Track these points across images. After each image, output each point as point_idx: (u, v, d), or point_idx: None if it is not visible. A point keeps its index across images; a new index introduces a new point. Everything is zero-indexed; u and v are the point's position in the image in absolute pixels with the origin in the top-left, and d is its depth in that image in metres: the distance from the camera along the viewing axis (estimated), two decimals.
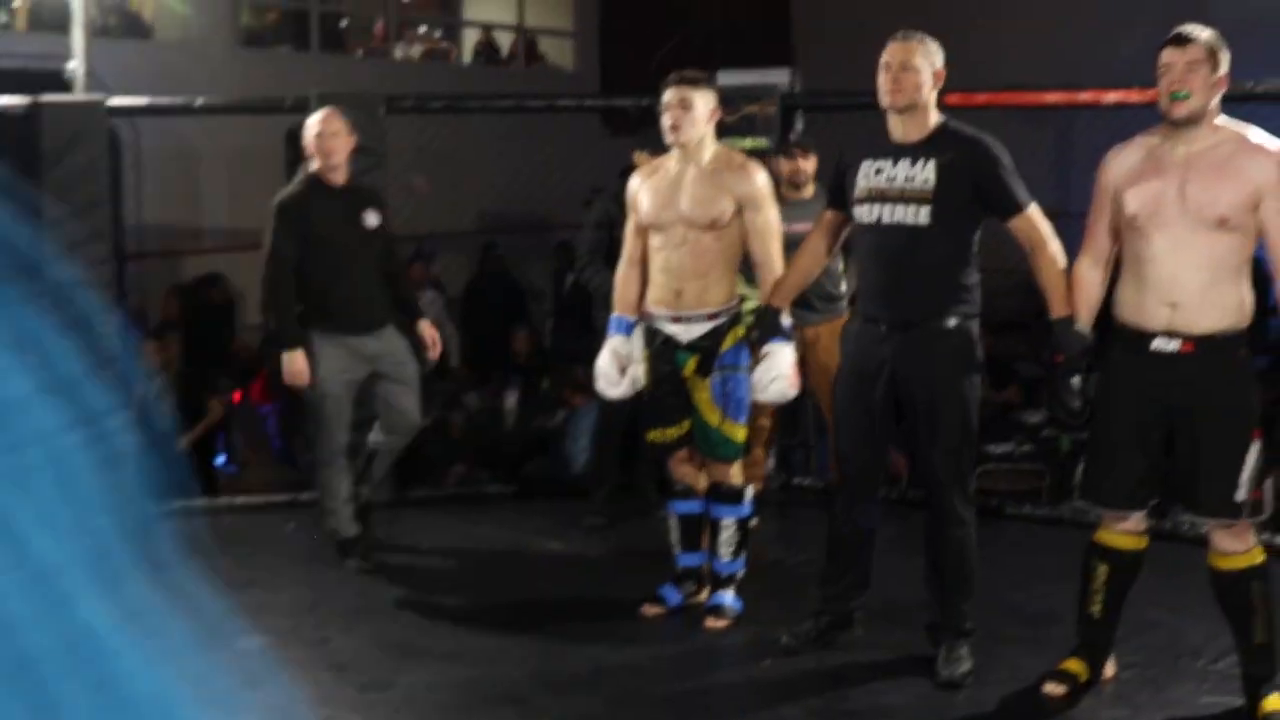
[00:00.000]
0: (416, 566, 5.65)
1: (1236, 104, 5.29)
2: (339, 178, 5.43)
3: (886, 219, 4.16)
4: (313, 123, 5.41)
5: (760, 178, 4.65)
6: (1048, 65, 11.67)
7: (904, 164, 4.15)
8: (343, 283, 5.36)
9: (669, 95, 4.63)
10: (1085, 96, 5.97)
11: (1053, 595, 4.79)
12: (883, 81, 4.15)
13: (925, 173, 4.11)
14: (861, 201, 4.23)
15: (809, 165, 5.87)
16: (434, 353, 5.66)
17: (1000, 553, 5.57)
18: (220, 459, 8.42)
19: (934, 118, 4.20)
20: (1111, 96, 5.71)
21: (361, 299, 5.39)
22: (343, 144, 5.40)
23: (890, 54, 4.15)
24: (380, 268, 5.51)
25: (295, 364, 5.32)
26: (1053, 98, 6.12)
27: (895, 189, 4.15)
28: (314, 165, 5.43)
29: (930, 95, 4.16)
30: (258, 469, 8.27)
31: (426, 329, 5.62)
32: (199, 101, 6.86)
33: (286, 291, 5.37)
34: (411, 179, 8.84)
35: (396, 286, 5.64)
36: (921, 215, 4.10)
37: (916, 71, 4.11)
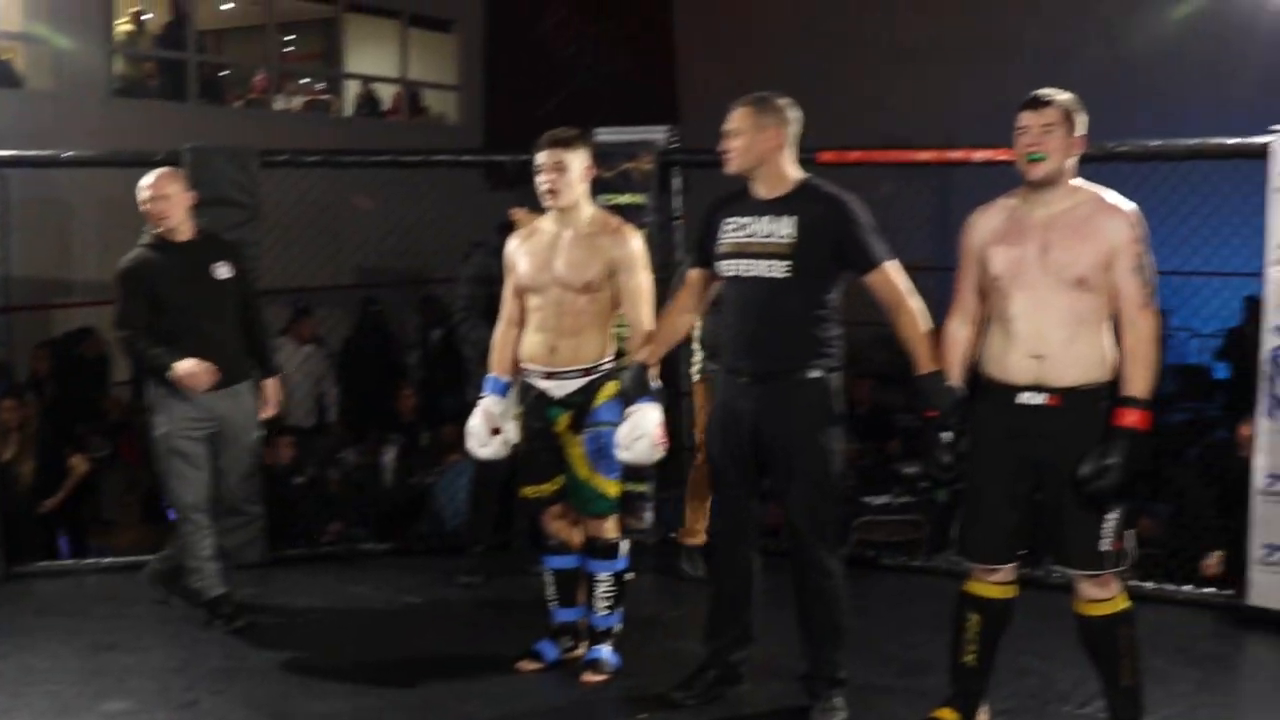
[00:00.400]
0: (289, 626, 5.55)
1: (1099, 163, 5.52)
2: (181, 235, 5.39)
3: (747, 273, 4.24)
4: (143, 186, 5.36)
5: (635, 242, 4.69)
6: (928, 121, 11.97)
7: (765, 220, 4.23)
8: (190, 340, 5.29)
9: (542, 157, 4.64)
10: (955, 155, 6.09)
11: (927, 645, 4.85)
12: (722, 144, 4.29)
13: (784, 229, 4.20)
14: (725, 256, 4.31)
15: None
16: (267, 411, 5.63)
17: (876, 603, 5.66)
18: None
19: (794, 174, 4.29)
20: (980, 155, 5.84)
21: (210, 356, 5.31)
22: (175, 204, 5.35)
23: (726, 120, 4.27)
24: (236, 319, 5.47)
25: (187, 366, 5.22)
26: (924, 156, 6.24)
27: (756, 244, 4.23)
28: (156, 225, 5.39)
29: (772, 155, 4.24)
30: (127, 526, 8.10)
31: (270, 387, 5.60)
32: (66, 154, 6.74)
33: (146, 343, 5.29)
34: (359, 203, 8.78)
35: (254, 339, 5.60)
36: (780, 270, 4.19)
37: (741, 136, 4.23)
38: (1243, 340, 8.48)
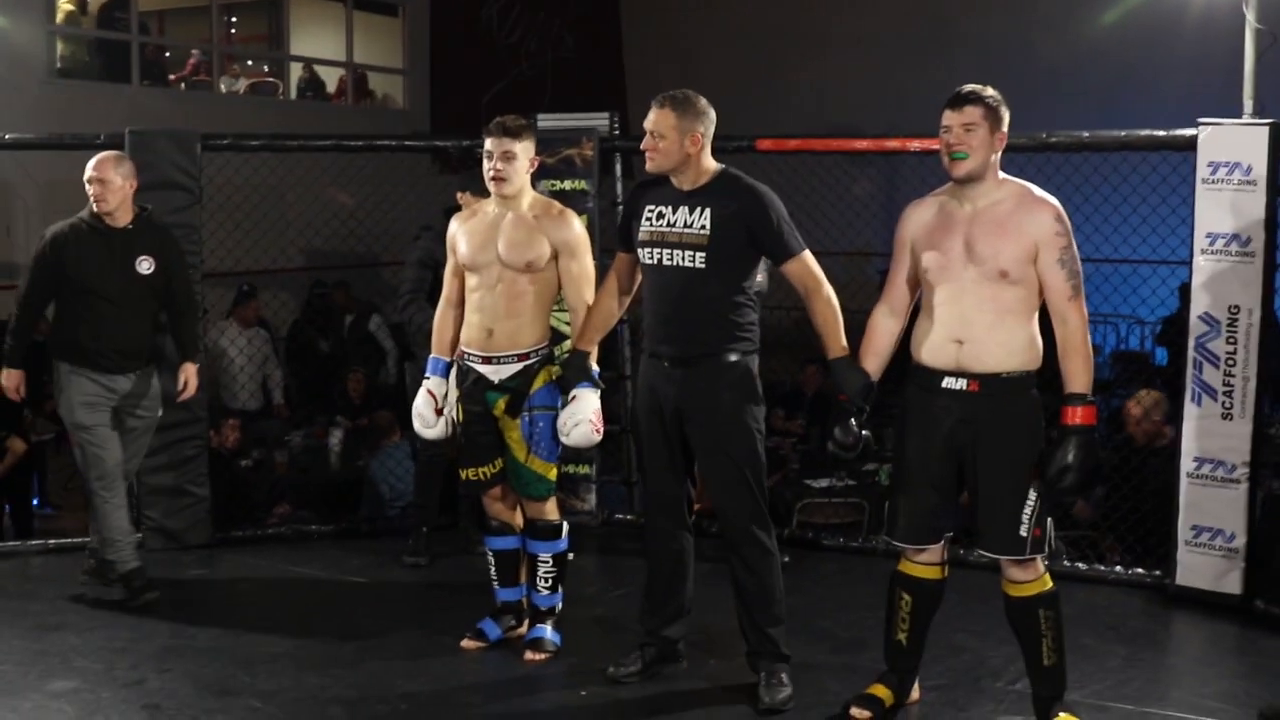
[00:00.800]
0: (235, 606, 5.60)
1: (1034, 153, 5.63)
2: (116, 221, 5.44)
3: (666, 261, 4.35)
4: (88, 167, 5.41)
5: (577, 225, 4.76)
6: (874, 110, 12.06)
7: (683, 210, 4.33)
8: (93, 325, 5.40)
9: (491, 145, 4.69)
10: (892, 144, 6.18)
11: (863, 623, 4.97)
12: (644, 144, 4.36)
13: (701, 220, 4.29)
14: (644, 245, 4.40)
15: None
16: (184, 395, 5.69)
17: (815, 583, 5.76)
18: (35, 501, 8.23)
19: (711, 166, 4.37)
20: (916, 144, 5.92)
21: (109, 345, 5.42)
22: (114, 191, 5.40)
23: (648, 120, 4.35)
24: (151, 312, 5.53)
25: (11, 380, 5.50)
26: (861, 144, 6.32)
27: (674, 234, 4.33)
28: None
29: (693, 153, 4.32)
30: (72, 510, 8.09)
31: (187, 371, 5.65)
32: (7, 136, 6.70)
33: (25, 331, 5.54)
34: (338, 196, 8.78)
35: (180, 329, 5.67)
36: (698, 259, 4.29)
37: (665, 138, 4.30)
38: (1176, 327, 8.63)
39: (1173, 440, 6.16)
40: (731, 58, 14.11)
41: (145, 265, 5.46)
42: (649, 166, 4.37)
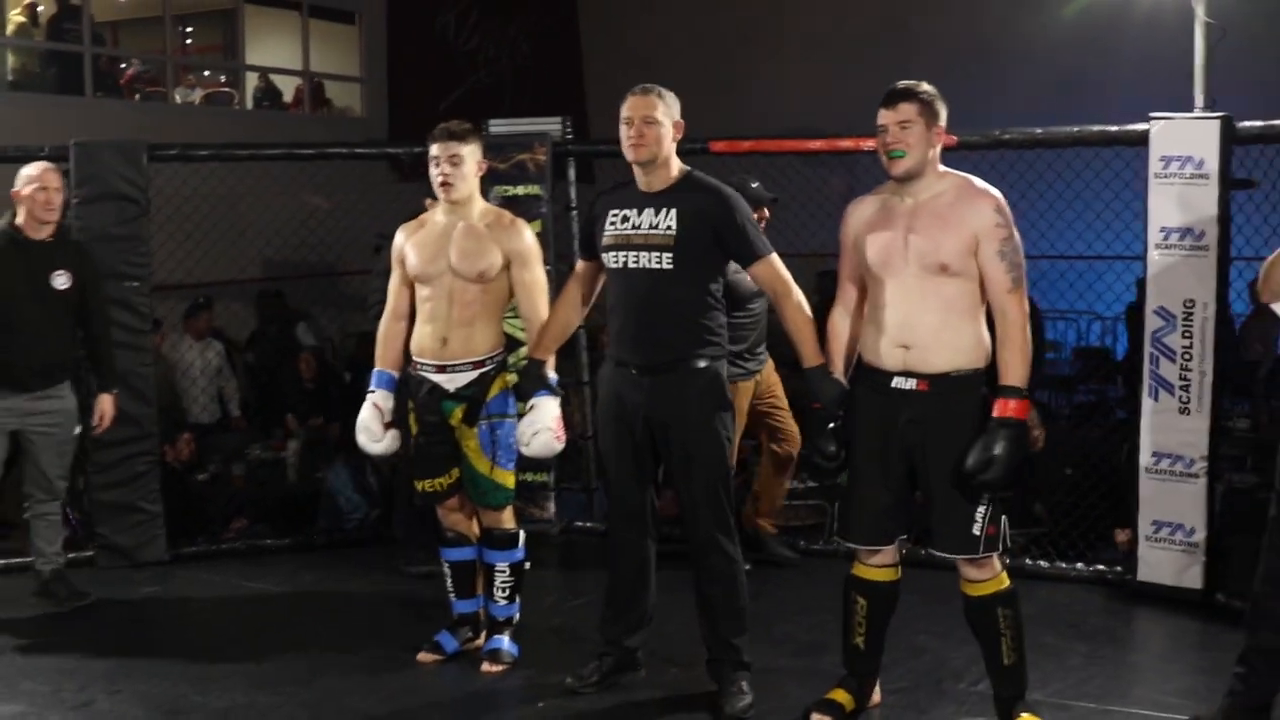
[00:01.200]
0: (187, 624, 5.54)
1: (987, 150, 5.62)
2: (43, 233, 5.39)
3: (632, 264, 4.27)
4: (32, 175, 5.36)
5: (529, 235, 4.71)
6: (830, 110, 12.02)
7: (648, 212, 4.26)
8: (4, 339, 5.32)
9: (437, 149, 4.63)
10: (845, 144, 6.16)
11: (824, 626, 4.93)
12: (625, 135, 4.25)
13: (667, 220, 4.23)
14: (609, 249, 4.34)
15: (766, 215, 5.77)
16: (100, 429, 5.65)
17: (775, 587, 5.73)
18: None
19: (676, 166, 4.32)
20: (870, 143, 5.86)
21: (18, 361, 5.35)
22: (60, 200, 5.38)
23: (631, 108, 4.25)
24: (65, 328, 5.46)
25: None
26: (815, 145, 6.29)
27: (640, 236, 4.26)
28: (19, 217, 5.36)
29: (671, 146, 4.28)
30: (23, 529, 7.95)
31: (104, 403, 5.59)
32: None
33: None
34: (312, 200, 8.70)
35: (95, 351, 5.60)
36: (664, 261, 4.22)
37: (658, 125, 4.23)
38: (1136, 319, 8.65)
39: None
40: (691, 62, 14.08)
41: (62, 280, 5.39)
42: (636, 156, 4.25)
